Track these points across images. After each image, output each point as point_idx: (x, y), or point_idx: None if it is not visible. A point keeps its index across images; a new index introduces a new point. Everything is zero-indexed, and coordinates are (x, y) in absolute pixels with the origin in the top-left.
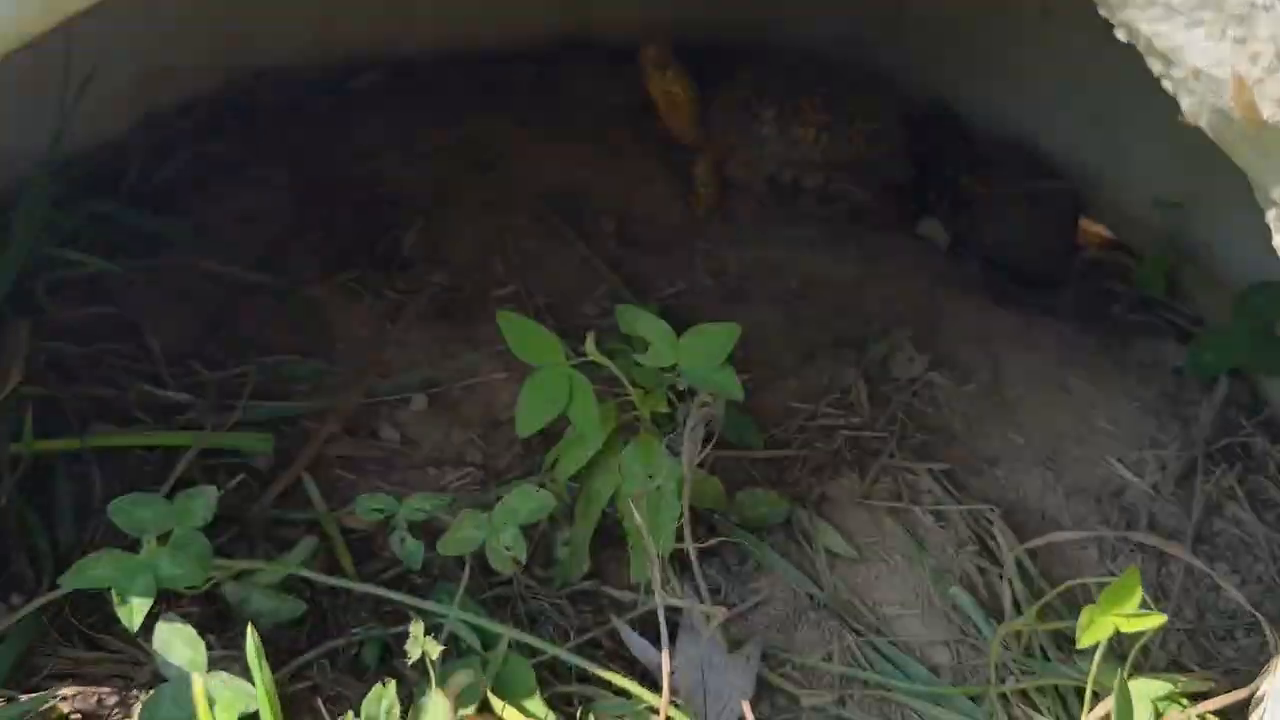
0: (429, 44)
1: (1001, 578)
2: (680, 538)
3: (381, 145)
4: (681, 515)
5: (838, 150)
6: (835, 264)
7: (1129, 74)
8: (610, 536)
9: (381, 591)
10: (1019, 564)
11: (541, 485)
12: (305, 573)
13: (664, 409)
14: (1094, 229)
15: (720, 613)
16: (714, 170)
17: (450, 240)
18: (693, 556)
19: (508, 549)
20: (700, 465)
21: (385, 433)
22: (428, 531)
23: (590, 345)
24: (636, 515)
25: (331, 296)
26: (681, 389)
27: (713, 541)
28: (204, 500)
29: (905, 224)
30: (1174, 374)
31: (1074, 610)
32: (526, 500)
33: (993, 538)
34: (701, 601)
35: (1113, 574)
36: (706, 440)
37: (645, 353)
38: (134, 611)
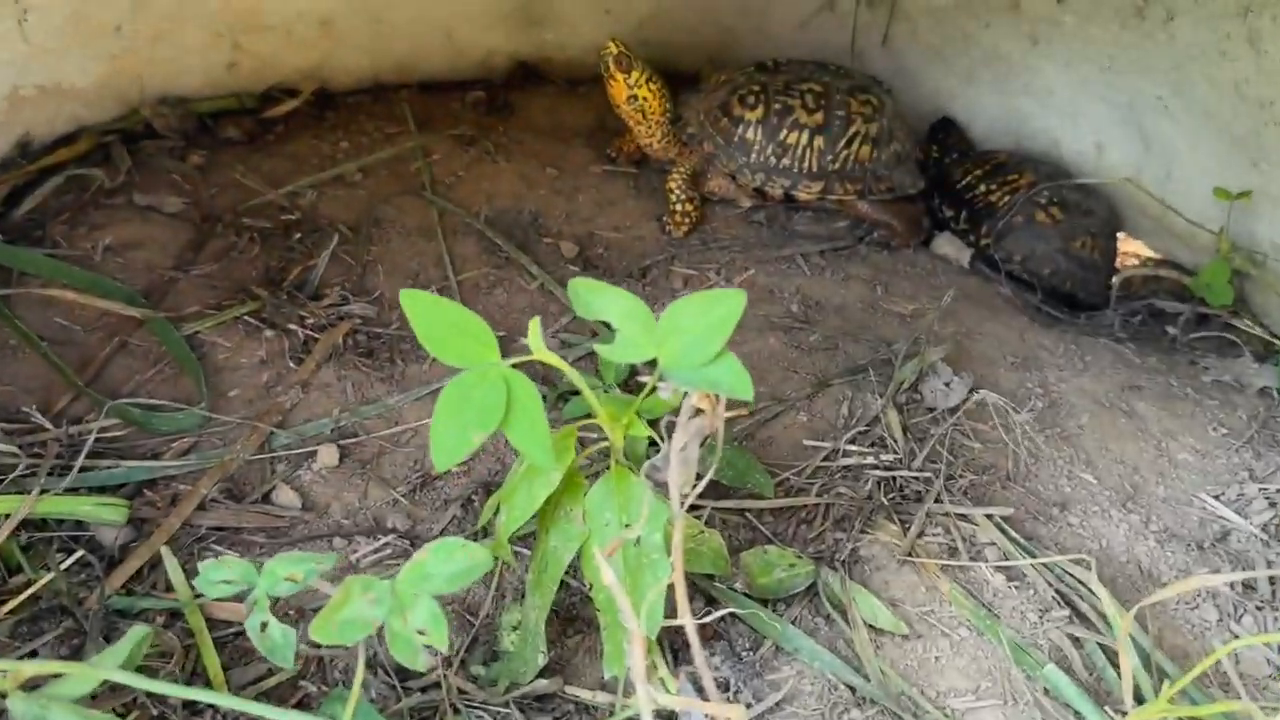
0: (359, 72)
1: (1105, 650)
2: (672, 611)
3: (296, 172)
4: (673, 576)
5: (835, 156)
6: (840, 285)
7: (1164, 58)
8: (575, 615)
9: (248, 706)
10: (1130, 636)
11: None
12: (131, 679)
13: (643, 433)
14: (1129, 245)
15: (735, 715)
16: (691, 184)
17: (377, 268)
18: (691, 637)
19: (421, 634)
20: (694, 512)
21: (281, 496)
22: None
23: (535, 335)
24: (609, 578)
25: (224, 335)
26: (666, 395)
27: (714, 616)
28: None
29: (919, 241)
30: (1261, 395)
31: (1206, 690)
32: (448, 558)
33: (1084, 599)
34: (705, 699)
35: (1239, 638)
36: (699, 475)
37: (610, 344)
38: None
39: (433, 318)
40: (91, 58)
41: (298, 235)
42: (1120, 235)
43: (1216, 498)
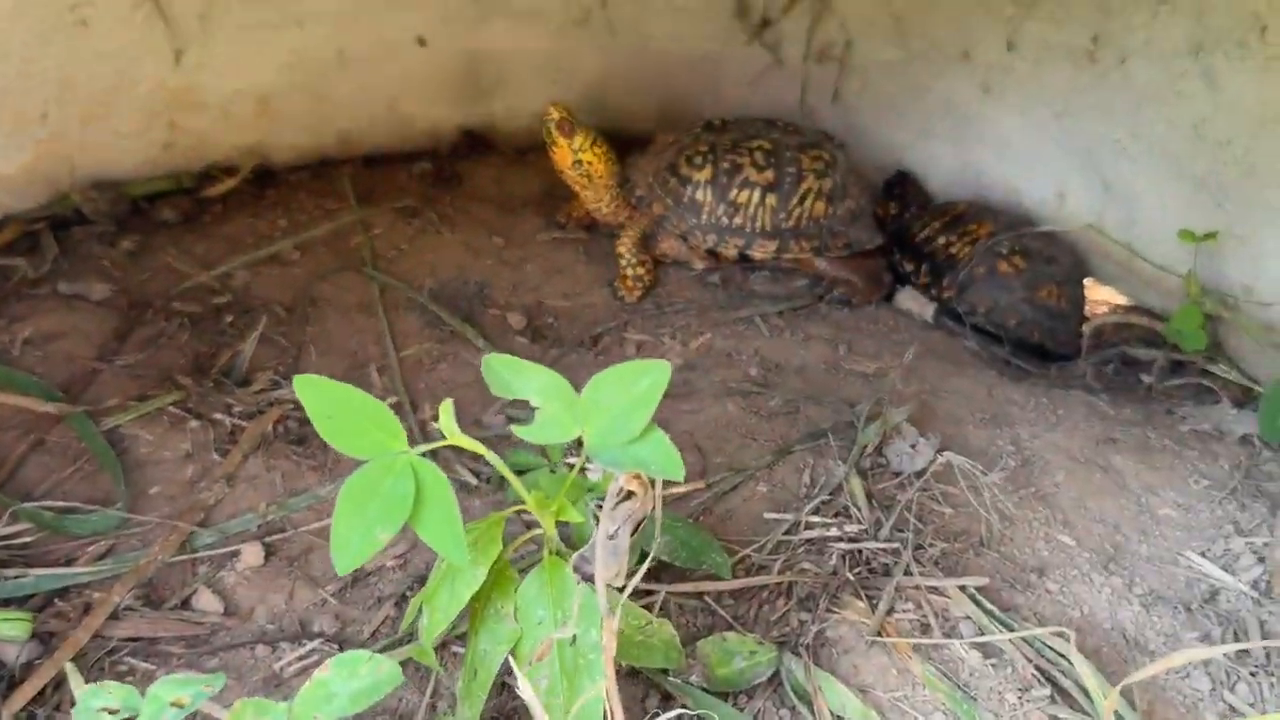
0: (300, 148)
1: None
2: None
3: (231, 253)
4: (603, 683)
5: (789, 214)
6: (801, 346)
7: (1120, 100)
8: None
9: None
10: (1115, 714)
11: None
12: None
13: (578, 518)
14: (1098, 292)
15: None
16: (642, 248)
17: (311, 349)
18: None
19: None
20: (645, 599)
21: (201, 601)
22: None
23: (447, 417)
24: (526, 692)
25: (147, 427)
26: (595, 477)
27: (668, 717)
28: None
29: (880, 297)
30: (1242, 443)
31: None
32: (352, 675)
33: (1066, 675)
34: None
35: (1235, 710)
36: (641, 558)
37: (531, 425)
38: None
39: (331, 405)
40: (16, 145)
41: (229, 318)
42: (1087, 282)
43: (1202, 554)
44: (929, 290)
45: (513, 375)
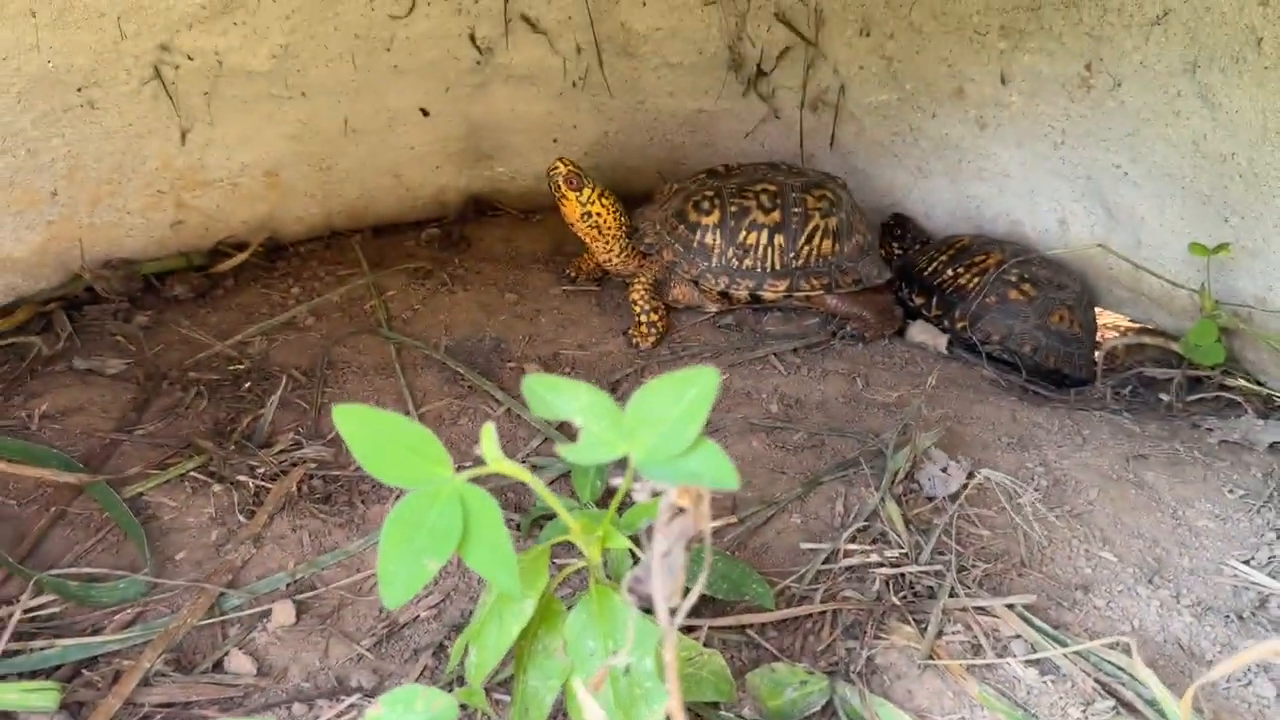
0: (310, 220)
1: None
2: None
3: (246, 322)
4: (670, 704)
5: (798, 253)
6: (819, 381)
7: (1117, 125)
8: None
9: None
10: None
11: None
12: None
13: (622, 544)
14: (1105, 317)
15: None
16: (654, 294)
17: (331, 410)
18: None
19: None
20: (689, 633)
21: (234, 663)
22: None
23: (489, 443)
24: (594, 717)
25: (170, 494)
26: (643, 497)
27: None
28: None
29: (893, 331)
30: (1272, 451)
31: None
32: (406, 711)
33: (1127, 686)
34: None
35: None
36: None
37: (574, 445)
38: None
39: (372, 434)
40: (27, 226)
41: (247, 384)
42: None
43: (1246, 563)
44: (941, 322)
45: (554, 395)
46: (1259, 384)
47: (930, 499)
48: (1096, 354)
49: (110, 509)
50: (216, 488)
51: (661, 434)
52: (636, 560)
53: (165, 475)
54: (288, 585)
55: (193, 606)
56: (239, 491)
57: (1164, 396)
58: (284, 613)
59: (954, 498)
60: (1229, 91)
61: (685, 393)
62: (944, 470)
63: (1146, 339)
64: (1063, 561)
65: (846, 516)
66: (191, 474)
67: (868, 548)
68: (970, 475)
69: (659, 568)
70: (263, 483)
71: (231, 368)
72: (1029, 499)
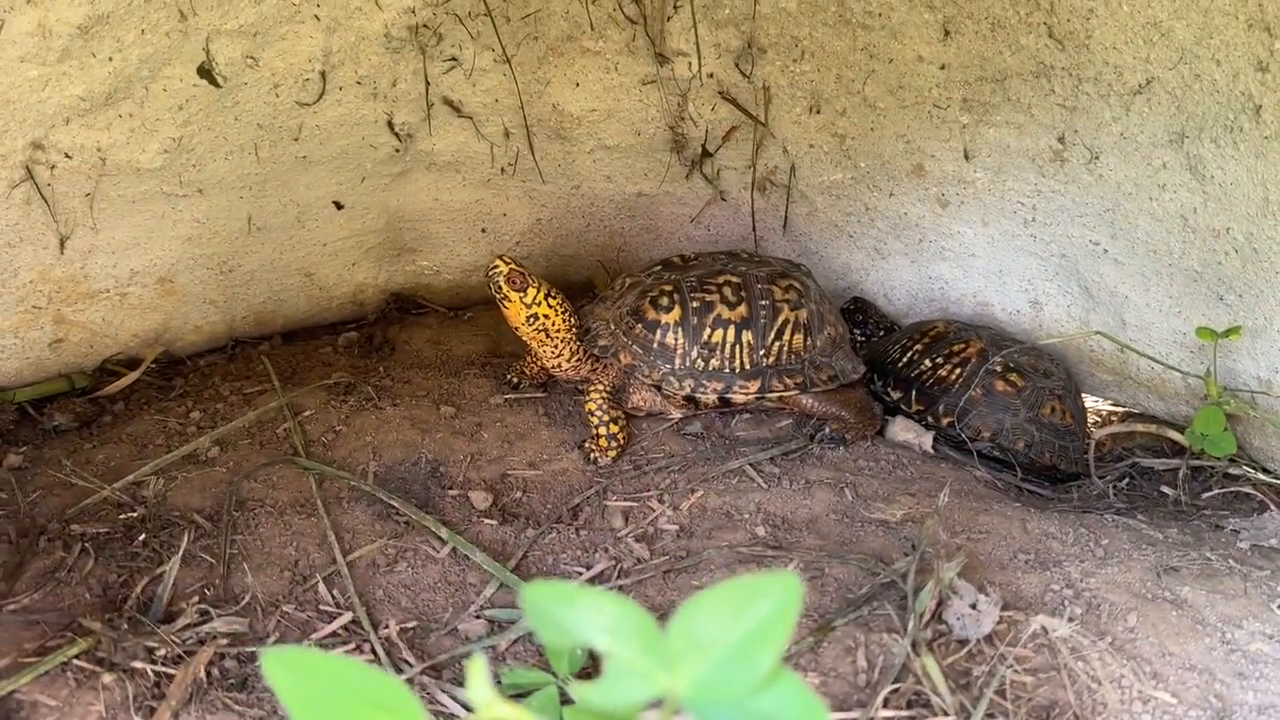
0: (210, 330)
1: None
2: None
3: (138, 458)
4: None
5: (768, 350)
6: (804, 495)
7: (1095, 200)
8: None
9: None
10: None
11: None
12: None
13: None
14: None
15: None
16: (612, 403)
17: (244, 565)
18: None
19: None
20: None
21: None
22: None
23: (477, 685)
24: None
25: (48, 689)
26: None
27: None
28: None
29: (875, 430)
30: None
31: None
32: None
33: None
34: None
35: None
36: None
37: (596, 683)
38: None
39: (316, 688)
40: None
41: (141, 536)
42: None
43: None
44: (924, 418)
45: (565, 610)
46: (1268, 472)
47: (963, 642)
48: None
49: None
50: (107, 678)
51: (720, 664)
52: None
53: (43, 665)
54: None
55: None
56: (134, 682)
57: (1167, 490)
58: None
59: (989, 639)
60: (1222, 163)
61: (754, 606)
62: (974, 607)
63: (1137, 426)
64: (1117, 709)
65: (872, 672)
66: (75, 661)
67: (905, 714)
68: (1004, 609)
69: None
70: (163, 668)
71: (123, 516)
72: (1064, 631)
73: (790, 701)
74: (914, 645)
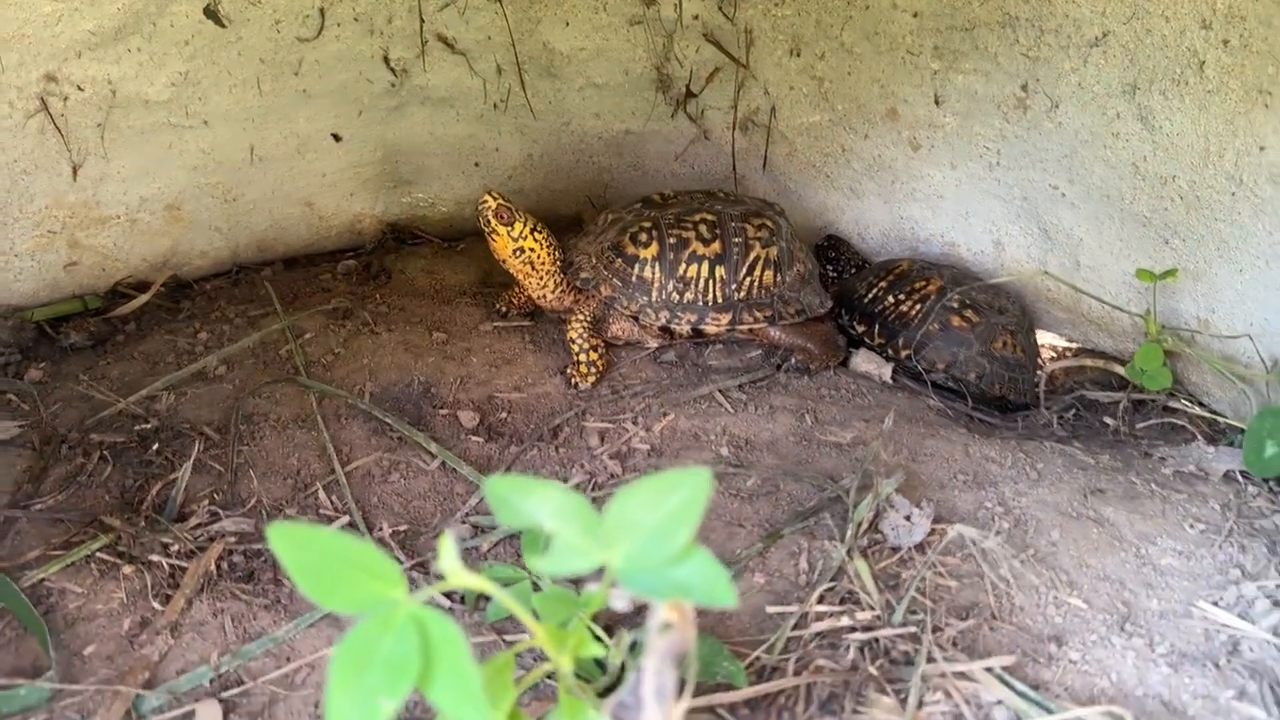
0: (215, 255)
1: None
2: None
3: (150, 374)
4: None
5: (739, 284)
6: (767, 419)
7: (1055, 146)
8: None
9: None
10: None
11: None
12: None
13: (596, 651)
14: (1042, 339)
15: None
16: (592, 331)
17: (250, 473)
18: None
19: None
20: None
21: None
22: None
23: (447, 554)
24: None
25: (75, 579)
26: (622, 607)
27: None
28: None
29: (838, 362)
30: (1226, 480)
31: None
32: None
33: None
34: None
35: None
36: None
37: (542, 553)
38: None
39: (312, 556)
40: None
41: (155, 446)
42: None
43: (1215, 604)
44: (884, 350)
45: (521, 498)
46: (1203, 406)
47: (895, 549)
48: (1038, 378)
49: (7, 600)
50: (127, 569)
51: (645, 541)
52: (603, 665)
53: (68, 558)
54: (212, 681)
55: (106, 714)
56: (152, 573)
57: (1108, 420)
58: (209, 713)
59: (920, 547)
60: (1169, 114)
61: (671, 495)
62: (907, 519)
63: (1086, 360)
64: (1033, 611)
65: (812, 574)
66: (98, 554)
67: (838, 609)
68: (937, 522)
69: (652, 699)
70: (178, 561)
71: (137, 427)
72: (992, 543)
73: (701, 574)
74: (850, 551)
